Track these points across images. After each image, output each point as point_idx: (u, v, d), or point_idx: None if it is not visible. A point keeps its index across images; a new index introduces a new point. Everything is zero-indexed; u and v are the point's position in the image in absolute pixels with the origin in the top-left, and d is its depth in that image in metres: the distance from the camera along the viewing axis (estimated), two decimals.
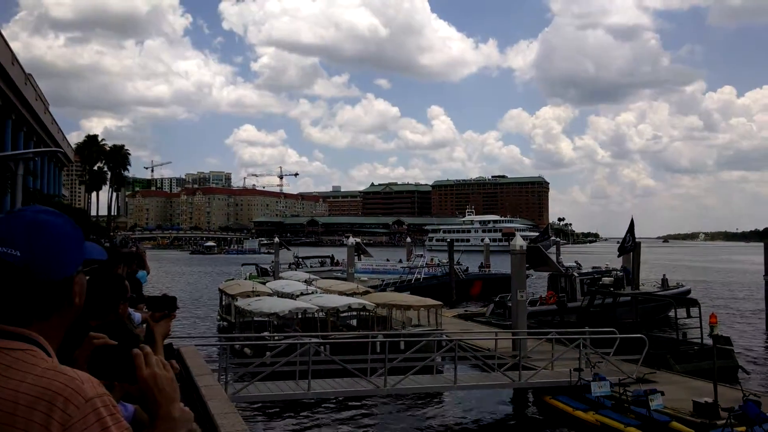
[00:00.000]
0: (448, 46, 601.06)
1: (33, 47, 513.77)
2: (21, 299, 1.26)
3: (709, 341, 18.20)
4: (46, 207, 1.38)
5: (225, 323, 26.16)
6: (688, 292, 34.62)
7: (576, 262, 40.66)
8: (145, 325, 2.87)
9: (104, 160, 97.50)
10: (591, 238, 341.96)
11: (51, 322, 1.31)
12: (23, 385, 1.18)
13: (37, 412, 1.15)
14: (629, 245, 31.65)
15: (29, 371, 1.20)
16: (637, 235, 31.86)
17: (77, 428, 1.16)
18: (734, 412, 12.53)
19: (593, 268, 37.58)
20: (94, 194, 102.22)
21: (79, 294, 1.35)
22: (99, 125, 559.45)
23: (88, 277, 1.43)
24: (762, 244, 33.11)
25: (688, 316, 24.67)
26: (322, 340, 16.71)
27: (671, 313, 26.58)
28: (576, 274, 31.55)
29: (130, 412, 2.59)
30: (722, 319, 23.94)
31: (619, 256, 33.26)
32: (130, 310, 2.63)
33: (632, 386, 15.06)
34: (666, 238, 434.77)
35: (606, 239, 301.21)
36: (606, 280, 29.63)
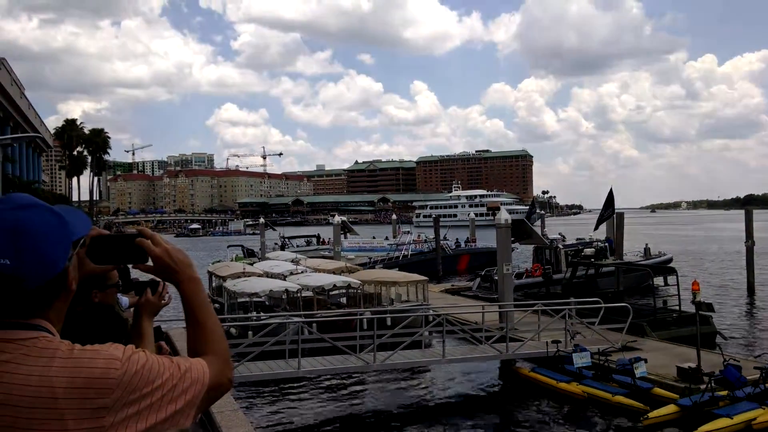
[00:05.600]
0: (431, 19, 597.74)
1: (5, 31, 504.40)
2: (19, 302, 1.25)
3: (687, 308, 18.56)
4: (21, 196, 1.32)
5: (217, 305, 26.12)
6: (670, 260, 35.11)
7: (560, 234, 41.01)
8: (132, 309, 2.89)
9: (84, 144, 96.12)
10: (575, 210, 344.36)
11: (52, 308, 1.32)
12: (52, 370, 1.21)
13: (76, 391, 1.19)
14: (607, 215, 32.01)
15: (52, 356, 1.23)
16: (621, 206, 32.26)
17: (131, 387, 1.23)
18: (715, 377, 12.84)
19: (577, 239, 37.94)
20: (74, 179, 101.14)
21: (75, 279, 1.35)
22: (77, 109, 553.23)
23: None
24: (743, 211, 33.59)
25: (666, 284, 25.10)
26: (309, 319, 16.78)
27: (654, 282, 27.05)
28: (561, 246, 31.85)
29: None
30: (705, 285, 24.39)
31: (594, 230, 33.63)
32: (119, 294, 2.66)
33: (614, 355, 15.32)
34: (653, 208, 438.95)
35: (590, 210, 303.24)
36: (588, 251, 29.97)
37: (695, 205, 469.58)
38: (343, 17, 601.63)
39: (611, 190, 31.74)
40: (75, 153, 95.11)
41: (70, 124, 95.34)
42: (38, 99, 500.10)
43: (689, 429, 11.82)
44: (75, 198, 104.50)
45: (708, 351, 15.46)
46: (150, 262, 1.51)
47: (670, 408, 12.63)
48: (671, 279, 22.71)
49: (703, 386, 12.75)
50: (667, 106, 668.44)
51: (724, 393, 12.71)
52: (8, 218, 1.25)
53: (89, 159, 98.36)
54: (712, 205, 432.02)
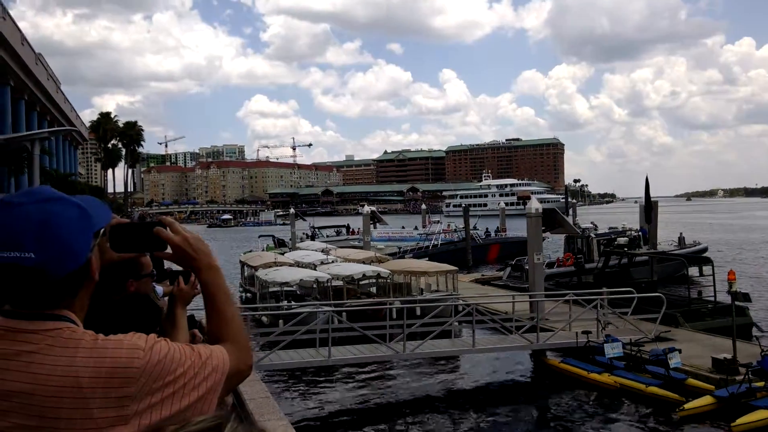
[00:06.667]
0: (461, 7, 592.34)
1: (40, 26, 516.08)
2: (44, 293, 1.27)
3: (722, 299, 18.15)
4: (43, 189, 1.33)
5: (249, 294, 26.36)
6: (705, 250, 34.37)
7: (592, 223, 40.44)
8: (166, 299, 2.95)
9: (118, 137, 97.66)
10: (608, 198, 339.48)
11: (76, 299, 1.34)
12: (77, 360, 1.23)
13: (101, 380, 1.21)
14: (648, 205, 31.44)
15: (77, 346, 1.25)
16: (655, 194, 31.61)
17: (153, 376, 1.25)
18: (752, 368, 12.57)
19: (610, 228, 37.38)
20: (109, 171, 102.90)
21: (98, 269, 1.37)
22: (111, 102, 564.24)
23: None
24: None
25: (701, 274, 24.56)
26: (339, 308, 16.89)
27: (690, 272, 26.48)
28: (593, 235, 31.42)
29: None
30: (741, 276, 23.77)
31: (649, 222, 32.92)
32: (154, 283, 2.72)
33: (647, 345, 15.08)
34: (689, 196, 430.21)
35: (623, 199, 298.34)
36: (621, 240, 29.52)
37: (732, 193, 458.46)
38: (371, 7, 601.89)
39: (647, 179, 31.21)
40: (110, 146, 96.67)
41: (105, 117, 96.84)
42: (74, 93, 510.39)
43: (727, 421, 11.62)
44: (110, 189, 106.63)
45: (744, 342, 15.12)
46: (169, 250, 1.53)
47: (707, 399, 12.42)
48: (706, 269, 22.23)
49: (739, 377, 12.51)
50: (704, 92, 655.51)
51: (761, 384, 12.45)
52: (31, 212, 1.25)
53: (123, 151, 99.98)
54: (750, 192, 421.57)
